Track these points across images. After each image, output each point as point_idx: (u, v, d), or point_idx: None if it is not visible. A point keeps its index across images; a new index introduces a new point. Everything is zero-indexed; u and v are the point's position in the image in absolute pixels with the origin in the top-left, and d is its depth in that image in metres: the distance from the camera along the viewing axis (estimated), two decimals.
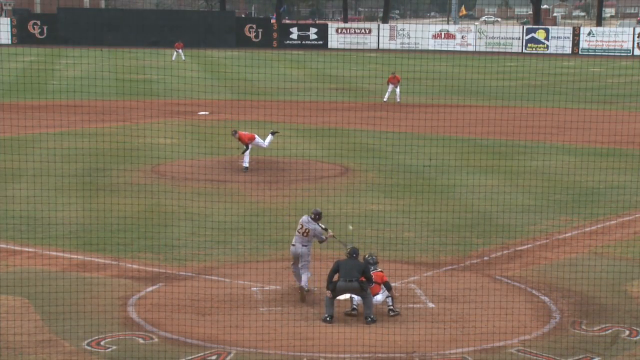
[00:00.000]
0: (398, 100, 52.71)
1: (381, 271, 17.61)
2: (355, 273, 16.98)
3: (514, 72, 65.71)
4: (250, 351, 15.40)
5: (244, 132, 31.24)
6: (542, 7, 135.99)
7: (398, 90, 52.74)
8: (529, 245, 22.24)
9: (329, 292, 16.95)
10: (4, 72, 57.76)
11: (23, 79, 56.65)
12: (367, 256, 17.91)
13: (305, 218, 18.30)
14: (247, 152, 30.76)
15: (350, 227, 19.83)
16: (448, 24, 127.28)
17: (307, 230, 18.08)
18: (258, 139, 31.06)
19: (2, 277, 18.77)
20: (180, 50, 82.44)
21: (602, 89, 59.48)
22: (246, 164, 30.77)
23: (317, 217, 18.27)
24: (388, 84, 53.37)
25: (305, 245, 18.12)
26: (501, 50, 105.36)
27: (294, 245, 18.23)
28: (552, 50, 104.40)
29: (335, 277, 17.11)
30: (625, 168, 31.53)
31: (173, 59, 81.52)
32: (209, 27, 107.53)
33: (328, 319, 16.84)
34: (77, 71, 68.78)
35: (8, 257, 20.45)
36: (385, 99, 52.99)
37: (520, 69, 69.38)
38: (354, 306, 17.26)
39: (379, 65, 69.63)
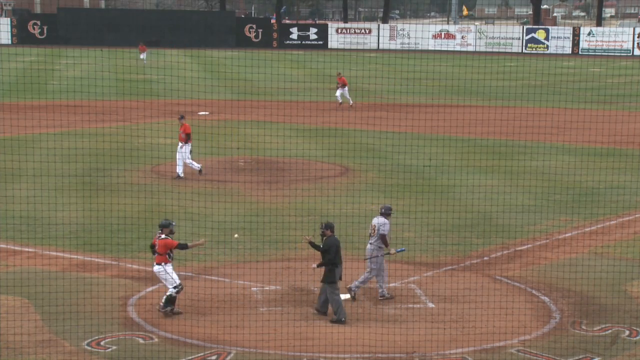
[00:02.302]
0: (340, 101, 49.96)
1: (166, 237, 17.34)
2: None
3: (514, 72, 65.71)
4: (250, 351, 15.40)
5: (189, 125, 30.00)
6: (542, 7, 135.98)
7: (339, 92, 49.95)
8: (529, 245, 22.24)
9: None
10: (4, 72, 57.77)
11: (23, 79, 56.65)
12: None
13: (377, 219, 18.17)
14: (189, 153, 29.20)
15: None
16: (448, 24, 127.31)
17: (374, 227, 18.03)
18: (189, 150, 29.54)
19: (2, 277, 18.76)
20: (143, 54, 79.23)
21: (602, 89, 59.48)
22: (197, 166, 29.64)
23: (385, 211, 18.18)
24: (337, 87, 50.57)
25: (371, 244, 18.02)
26: (501, 50, 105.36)
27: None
28: (552, 50, 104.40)
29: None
30: (625, 168, 31.53)
31: (145, 62, 78.16)
32: (209, 27, 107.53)
33: (343, 319, 16.74)
34: (77, 71, 68.80)
35: (8, 257, 20.45)
36: (350, 103, 50.22)
37: (520, 69, 69.37)
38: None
39: (379, 65, 69.51)
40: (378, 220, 18.02)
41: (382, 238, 17.88)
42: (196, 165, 29.71)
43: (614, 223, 24.64)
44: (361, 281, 18.07)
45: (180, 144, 29.43)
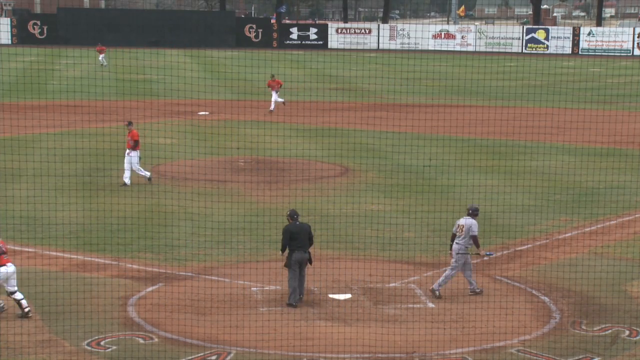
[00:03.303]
0: (282, 100, 47.22)
1: None
2: (306, 241, 17.59)
3: (514, 72, 65.70)
4: (250, 351, 15.40)
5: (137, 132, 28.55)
6: (542, 7, 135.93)
7: (275, 96, 46.86)
8: (529, 245, 22.23)
9: (285, 256, 17.62)
10: (4, 72, 57.73)
11: (23, 79, 56.65)
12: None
13: (467, 219, 18.43)
14: (137, 159, 27.96)
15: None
16: (448, 24, 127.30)
17: (461, 227, 18.28)
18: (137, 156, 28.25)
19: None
20: (102, 56, 75.38)
21: (602, 89, 59.48)
22: (147, 173, 28.36)
23: (472, 212, 18.47)
24: (271, 90, 47.30)
25: (458, 244, 18.24)
26: (501, 50, 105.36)
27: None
28: (552, 50, 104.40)
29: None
30: (625, 168, 31.52)
31: (103, 64, 74.71)
32: (209, 27, 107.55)
33: (294, 304, 17.38)
34: (77, 71, 68.79)
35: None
36: (271, 108, 46.76)
37: (520, 69, 69.35)
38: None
39: (379, 65, 69.54)
40: (466, 221, 18.31)
41: (474, 239, 18.21)
42: (144, 173, 28.41)
43: (614, 223, 24.64)
44: (443, 279, 18.32)
45: (127, 150, 28.05)
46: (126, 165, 28.07)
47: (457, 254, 18.16)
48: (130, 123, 28.53)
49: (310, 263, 17.68)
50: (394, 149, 32.35)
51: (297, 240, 17.45)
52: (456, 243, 18.25)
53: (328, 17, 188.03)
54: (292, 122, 40.26)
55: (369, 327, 16.46)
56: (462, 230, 18.21)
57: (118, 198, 25.74)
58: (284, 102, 47.43)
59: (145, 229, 22.43)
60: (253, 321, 16.49)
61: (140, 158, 28.28)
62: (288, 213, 17.94)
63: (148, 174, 28.56)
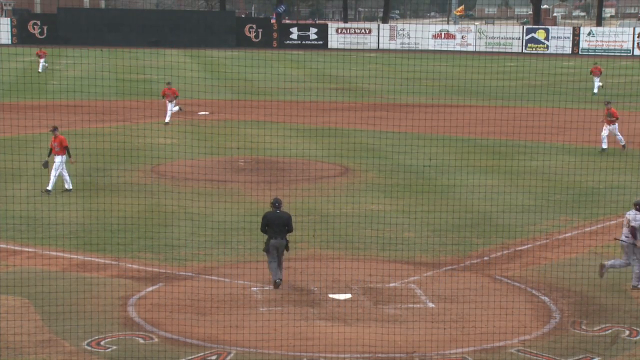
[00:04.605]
0: (177, 109, 42.73)
1: None
2: (283, 229, 18.34)
3: (514, 72, 65.68)
4: (250, 351, 15.40)
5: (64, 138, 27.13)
6: (542, 7, 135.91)
7: (172, 107, 42.49)
8: (529, 245, 22.23)
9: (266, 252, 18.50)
10: (4, 72, 57.74)
11: (23, 79, 56.65)
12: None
13: (631, 212, 18.87)
14: (63, 165, 26.73)
15: None
16: (448, 24, 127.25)
17: (628, 220, 18.74)
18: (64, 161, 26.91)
19: (2, 277, 18.77)
20: (42, 60, 69.92)
21: (602, 89, 59.51)
22: (69, 185, 27.02)
23: (639, 207, 18.88)
24: (164, 99, 42.78)
25: (627, 236, 18.73)
26: (501, 50, 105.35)
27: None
28: (552, 50, 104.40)
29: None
30: (625, 168, 31.50)
31: (40, 70, 68.79)
32: (209, 27, 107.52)
33: (278, 281, 18.25)
34: (77, 71, 68.76)
35: (8, 257, 20.45)
36: (167, 120, 42.07)
37: (520, 69, 69.34)
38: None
39: (379, 65, 69.57)
40: (631, 214, 18.79)
41: (632, 230, 18.65)
42: (69, 181, 27.10)
43: (614, 223, 24.62)
44: (614, 264, 19.00)
45: (58, 157, 26.77)
46: (63, 172, 26.94)
47: (627, 245, 18.68)
48: (55, 128, 27.24)
49: (287, 250, 18.43)
50: (394, 149, 32.33)
51: (272, 228, 18.32)
52: (625, 235, 18.85)
53: (328, 17, 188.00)
54: (292, 122, 40.25)
55: (369, 327, 16.45)
56: (628, 223, 18.72)
57: (118, 198, 25.75)
58: (180, 109, 42.80)
59: (145, 229, 22.43)
60: (253, 321, 16.49)
61: (67, 163, 27.08)
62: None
63: (70, 186, 27.10)
